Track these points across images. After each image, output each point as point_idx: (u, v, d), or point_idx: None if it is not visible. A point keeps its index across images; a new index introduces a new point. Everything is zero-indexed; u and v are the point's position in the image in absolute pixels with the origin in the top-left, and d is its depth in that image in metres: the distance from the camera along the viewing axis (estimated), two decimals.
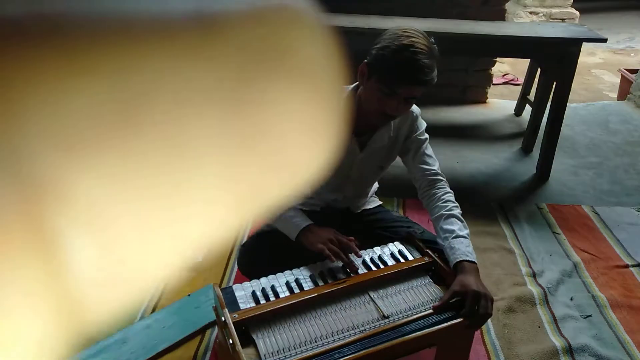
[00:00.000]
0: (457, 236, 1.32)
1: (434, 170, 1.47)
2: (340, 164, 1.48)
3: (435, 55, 1.22)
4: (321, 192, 1.60)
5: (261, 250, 1.46)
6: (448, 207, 1.39)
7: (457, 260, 1.27)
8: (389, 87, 1.22)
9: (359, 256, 1.33)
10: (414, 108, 1.47)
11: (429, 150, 1.50)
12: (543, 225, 2.08)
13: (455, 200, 1.42)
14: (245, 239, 1.73)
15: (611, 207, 2.23)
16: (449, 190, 1.44)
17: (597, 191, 2.39)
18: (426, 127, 1.51)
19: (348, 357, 1.06)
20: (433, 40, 1.24)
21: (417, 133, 1.48)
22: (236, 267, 1.68)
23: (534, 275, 1.76)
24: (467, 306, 1.17)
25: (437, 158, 1.51)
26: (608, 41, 2.24)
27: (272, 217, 1.43)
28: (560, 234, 2.02)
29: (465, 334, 1.22)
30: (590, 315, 1.60)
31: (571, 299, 1.66)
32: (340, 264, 1.33)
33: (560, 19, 5.07)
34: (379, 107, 1.26)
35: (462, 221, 1.37)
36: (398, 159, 1.57)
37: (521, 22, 4.57)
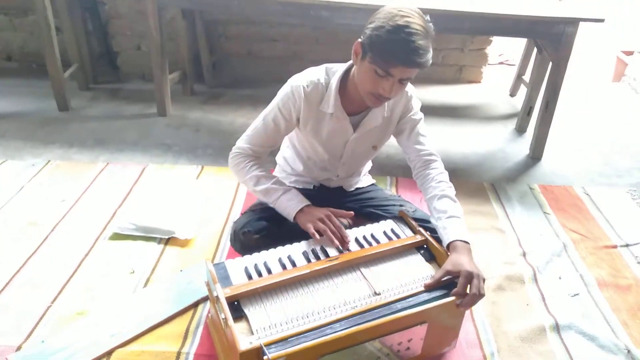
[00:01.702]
0: (450, 216, 1.32)
1: (428, 150, 1.46)
2: (333, 144, 1.47)
3: (430, 36, 1.19)
4: (314, 170, 1.60)
5: (254, 227, 1.46)
6: (441, 188, 1.39)
7: (451, 240, 1.27)
8: (383, 69, 1.19)
9: (347, 241, 1.33)
10: (409, 87, 1.46)
11: (423, 130, 1.49)
12: (534, 206, 2.09)
13: (449, 180, 1.43)
14: (238, 216, 1.72)
15: (602, 188, 2.25)
16: (443, 170, 1.45)
17: (588, 172, 2.40)
18: (422, 107, 1.50)
19: (339, 332, 1.07)
20: (429, 19, 1.21)
21: (412, 113, 1.47)
22: (228, 243, 1.68)
23: (524, 255, 1.78)
24: (460, 285, 1.18)
25: (432, 137, 1.50)
26: None
27: (270, 199, 1.43)
28: (551, 214, 2.04)
29: (456, 312, 1.24)
30: (577, 294, 1.62)
31: (560, 278, 1.68)
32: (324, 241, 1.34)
33: None
34: (372, 88, 1.24)
35: (455, 201, 1.38)
36: (392, 138, 1.56)
37: (518, 1, 4.52)
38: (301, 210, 1.38)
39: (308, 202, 1.41)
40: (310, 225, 1.33)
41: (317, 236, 1.31)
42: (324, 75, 1.39)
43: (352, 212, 1.42)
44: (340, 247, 1.31)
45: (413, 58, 1.17)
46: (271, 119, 1.42)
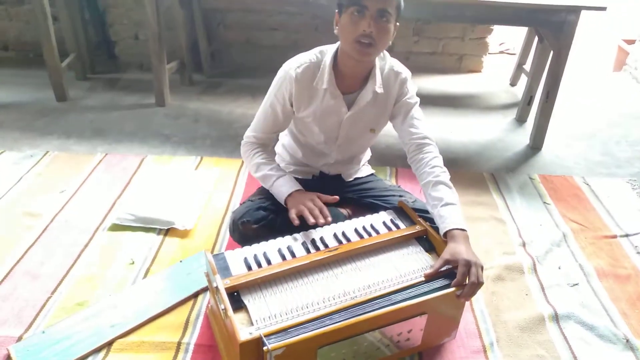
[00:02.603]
0: (446, 204, 1.31)
1: (422, 134, 1.45)
2: (328, 123, 1.47)
3: None
4: (312, 156, 1.59)
5: (253, 217, 1.46)
6: (435, 174, 1.38)
7: (447, 229, 1.27)
8: (355, 3, 1.24)
9: (328, 222, 1.34)
10: (405, 71, 1.46)
11: (418, 114, 1.48)
12: (534, 196, 2.09)
13: (448, 168, 1.42)
14: (237, 206, 1.72)
15: (602, 178, 2.25)
16: (437, 154, 1.43)
17: (588, 162, 2.40)
18: (421, 96, 1.49)
19: (339, 323, 1.07)
20: None
21: (407, 96, 1.46)
22: (228, 233, 1.67)
23: (523, 245, 1.78)
24: (459, 274, 1.18)
25: (431, 126, 1.49)
26: None
27: (267, 185, 1.47)
28: (551, 204, 2.03)
29: (456, 303, 1.24)
30: (577, 284, 1.62)
31: (559, 268, 1.68)
32: (325, 229, 1.35)
33: None
34: (354, 31, 1.27)
35: (450, 187, 1.36)
36: (391, 127, 1.55)
37: None
38: (290, 194, 1.42)
39: (299, 187, 1.43)
40: (292, 210, 1.36)
41: (296, 221, 1.33)
42: (316, 54, 1.42)
43: (337, 197, 1.43)
44: (318, 223, 1.32)
45: None
46: (269, 105, 1.47)
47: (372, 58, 1.36)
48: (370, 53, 1.30)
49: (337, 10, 1.33)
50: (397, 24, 1.33)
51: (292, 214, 1.34)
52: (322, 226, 1.33)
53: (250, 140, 1.52)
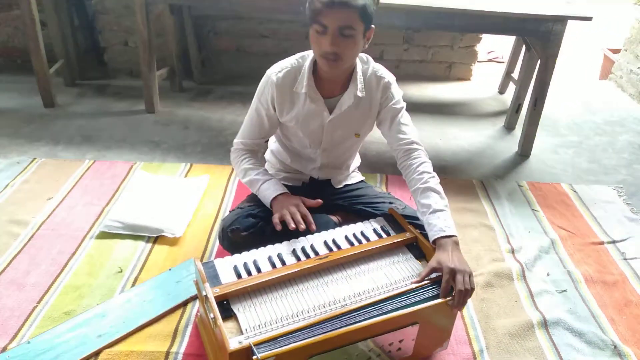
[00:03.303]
0: (434, 211, 1.31)
1: (410, 139, 1.45)
2: (311, 127, 1.48)
3: None
4: (299, 161, 1.60)
5: (242, 224, 1.45)
6: (424, 180, 1.38)
7: (435, 237, 1.27)
8: (315, 22, 1.23)
9: (312, 229, 1.36)
10: (388, 76, 1.47)
11: (405, 119, 1.48)
12: (523, 203, 2.11)
13: (436, 174, 1.42)
14: (227, 214, 1.71)
15: (589, 185, 2.27)
16: (425, 159, 1.43)
17: (576, 169, 2.43)
18: (411, 104, 1.50)
19: (329, 332, 1.06)
20: None
21: (393, 102, 1.46)
22: (218, 241, 1.66)
23: (512, 252, 1.79)
24: (443, 282, 1.18)
25: (420, 134, 1.50)
26: None
27: (254, 190, 1.48)
28: (539, 211, 2.05)
29: (448, 313, 1.23)
30: (565, 290, 1.64)
31: (548, 275, 1.70)
32: (315, 237, 1.35)
33: None
34: (318, 48, 1.28)
35: (438, 192, 1.36)
36: (380, 135, 1.56)
37: None
38: (275, 198, 1.43)
39: (284, 191, 1.45)
40: (275, 214, 1.37)
41: (279, 227, 1.34)
42: (297, 59, 1.44)
43: (320, 201, 1.45)
44: (299, 229, 1.32)
45: None
46: (254, 110, 1.49)
47: (341, 70, 1.35)
48: (337, 66, 1.31)
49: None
50: (372, 27, 1.30)
51: (275, 219, 1.35)
52: (303, 232, 1.33)
53: (239, 147, 1.54)
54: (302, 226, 1.33)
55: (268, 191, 1.45)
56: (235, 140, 1.56)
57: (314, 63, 1.40)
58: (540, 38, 2.24)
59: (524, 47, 2.77)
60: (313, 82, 1.40)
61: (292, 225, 1.32)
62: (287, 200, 1.41)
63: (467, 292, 1.17)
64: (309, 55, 1.43)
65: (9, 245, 1.68)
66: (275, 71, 1.42)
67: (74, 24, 3.05)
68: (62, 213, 1.86)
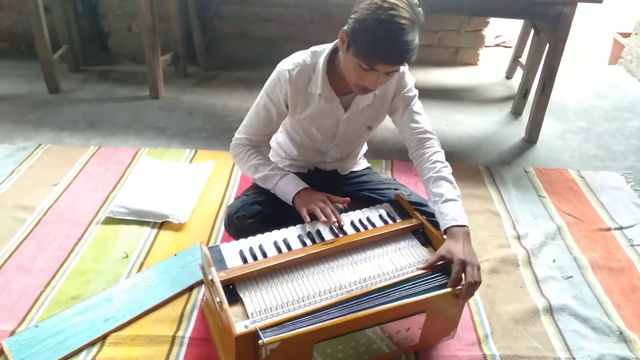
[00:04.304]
0: (446, 200, 1.31)
1: (423, 128, 1.43)
2: (325, 125, 1.46)
3: (419, 24, 1.14)
4: (308, 154, 1.58)
5: (248, 211, 1.45)
6: (437, 169, 1.37)
7: (447, 226, 1.26)
8: (366, 64, 1.16)
9: (341, 224, 1.33)
10: None
11: (418, 107, 1.46)
12: (529, 189, 2.09)
13: (449, 163, 1.41)
14: (232, 200, 1.71)
15: (597, 172, 2.25)
16: (438, 149, 1.42)
17: (583, 155, 2.40)
18: (417, 89, 1.47)
19: (335, 319, 1.06)
20: (417, 2, 1.15)
21: (405, 90, 1.43)
22: (223, 227, 1.67)
23: (518, 238, 1.78)
24: (453, 273, 1.17)
25: (426, 115, 1.48)
26: None
27: (269, 185, 1.43)
28: (546, 197, 2.04)
29: (455, 303, 1.22)
30: (571, 277, 1.63)
31: (554, 261, 1.69)
32: (318, 225, 1.33)
33: None
34: (358, 80, 1.22)
35: (451, 182, 1.36)
36: (388, 120, 1.54)
37: None
38: (298, 193, 1.38)
39: (306, 186, 1.41)
40: (303, 208, 1.33)
41: (308, 219, 1.31)
42: (310, 56, 1.36)
43: (348, 199, 1.41)
44: (333, 227, 1.31)
45: (397, 57, 1.14)
46: (262, 106, 1.41)
47: None
48: (369, 93, 1.30)
49: (345, 29, 1.18)
50: None
51: (304, 212, 1.31)
52: (338, 233, 1.31)
53: (243, 142, 1.47)
54: (334, 219, 1.31)
55: (289, 185, 1.39)
56: (237, 136, 1.48)
57: (328, 59, 1.34)
58: (549, 21, 2.20)
59: (532, 31, 2.72)
60: (328, 82, 1.35)
61: (324, 218, 1.30)
62: (312, 195, 1.38)
63: (476, 285, 1.17)
64: (321, 51, 1.36)
65: (16, 231, 1.69)
66: (288, 67, 1.35)
67: (77, 9, 3.02)
68: (67, 199, 1.87)
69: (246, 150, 1.46)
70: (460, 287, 1.17)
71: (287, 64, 1.36)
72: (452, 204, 1.30)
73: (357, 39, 1.14)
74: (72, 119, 2.48)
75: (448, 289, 1.16)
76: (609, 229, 1.86)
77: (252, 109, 1.45)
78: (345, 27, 1.19)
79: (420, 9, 1.15)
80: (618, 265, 1.69)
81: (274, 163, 1.47)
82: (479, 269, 1.19)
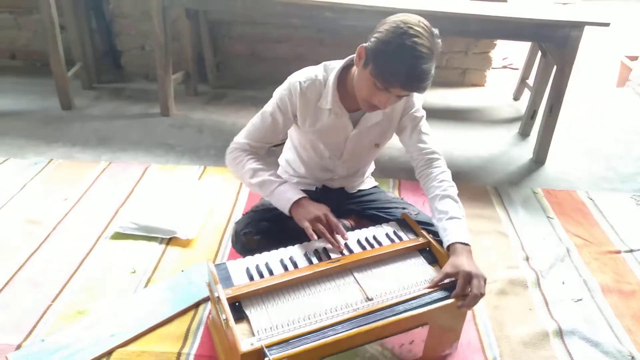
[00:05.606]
0: (451, 217, 1.31)
1: (431, 149, 1.45)
2: (333, 140, 1.47)
3: (436, 54, 1.19)
4: (316, 171, 1.59)
5: (255, 228, 1.45)
6: (443, 187, 1.38)
7: (450, 242, 1.26)
8: (382, 85, 1.19)
9: (345, 238, 1.33)
10: None
11: (426, 128, 1.47)
12: (537, 210, 2.08)
13: (452, 179, 1.42)
14: (239, 216, 1.72)
15: (606, 193, 2.24)
16: (445, 169, 1.43)
17: (592, 177, 2.39)
18: (425, 110, 1.48)
19: (341, 334, 1.06)
20: (437, 32, 1.19)
21: (413, 110, 1.45)
22: (230, 244, 1.67)
23: (527, 259, 1.77)
24: (459, 286, 1.17)
25: (434, 136, 1.49)
26: None
27: (266, 192, 1.41)
28: (554, 218, 2.02)
29: (457, 314, 1.23)
30: (581, 299, 1.61)
31: (563, 283, 1.67)
32: (324, 242, 1.33)
33: (562, 3, 5.00)
34: (369, 97, 1.24)
35: (457, 202, 1.37)
36: (395, 139, 1.55)
37: (522, 4, 4.51)
38: (297, 202, 1.35)
39: (304, 195, 1.39)
40: (307, 224, 1.31)
41: (315, 237, 1.30)
42: (322, 72, 1.39)
43: (353, 223, 1.42)
44: (336, 247, 1.30)
45: (415, 83, 1.18)
46: (269, 113, 1.42)
47: None
48: (377, 111, 1.32)
49: (365, 46, 1.20)
50: None
51: (310, 231, 1.29)
52: (343, 252, 1.31)
53: (243, 147, 1.44)
54: (341, 245, 1.30)
55: (288, 193, 1.36)
56: (237, 140, 1.45)
57: (339, 76, 1.36)
58: (556, 44, 2.23)
59: (539, 53, 2.75)
60: (338, 98, 1.37)
61: (332, 241, 1.30)
62: (312, 206, 1.34)
63: (480, 296, 1.17)
64: (332, 67, 1.38)
65: (25, 244, 1.71)
66: (301, 80, 1.37)
67: (92, 27, 3.10)
68: (77, 213, 1.89)
69: (245, 155, 1.43)
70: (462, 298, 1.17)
71: (300, 76, 1.39)
72: (456, 222, 1.30)
73: (378, 58, 1.17)
74: (84, 135, 2.52)
75: (450, 300, 1.16)
76: (618, 252, 1.84)
77: (257, 116, 1.45)
78: (366, 44, 1.21)
79: (439, 40, 1.19)
80: (629, 288, 1.66)
81: (274, 170, 1.46)
82: (485, 281, 1.19)
